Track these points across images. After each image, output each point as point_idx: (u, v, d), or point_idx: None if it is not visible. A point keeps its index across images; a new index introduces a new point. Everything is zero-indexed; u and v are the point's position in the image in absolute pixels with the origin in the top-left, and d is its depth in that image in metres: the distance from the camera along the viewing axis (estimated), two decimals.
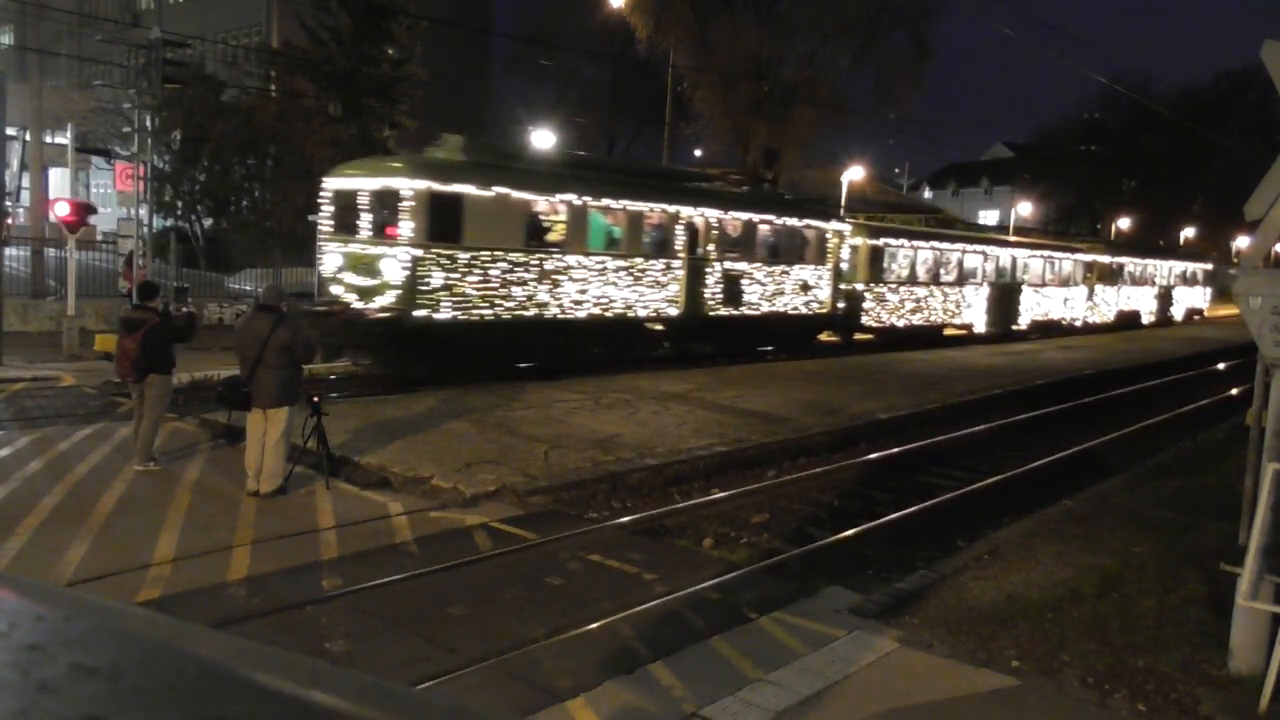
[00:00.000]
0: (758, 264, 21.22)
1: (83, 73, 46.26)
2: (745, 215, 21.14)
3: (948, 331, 29.05)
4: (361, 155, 23.16)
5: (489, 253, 15.77)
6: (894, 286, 26.47)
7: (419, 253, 14.86)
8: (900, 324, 26.81)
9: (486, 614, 6.50)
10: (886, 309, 26.18)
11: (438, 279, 15.09)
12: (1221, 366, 27.46)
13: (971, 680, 5.74)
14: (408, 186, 14.97)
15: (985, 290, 30.01)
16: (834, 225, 23.63)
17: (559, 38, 47.85)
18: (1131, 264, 39.69)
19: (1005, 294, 30.99)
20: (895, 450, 13.12)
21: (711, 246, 19.92)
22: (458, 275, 15.32)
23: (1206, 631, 6.49)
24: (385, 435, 11.13)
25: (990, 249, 30.76)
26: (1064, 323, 34.64)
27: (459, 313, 15.32)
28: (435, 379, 15.15)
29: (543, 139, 40.85)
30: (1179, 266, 45.04)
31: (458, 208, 15.28)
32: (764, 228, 21.59)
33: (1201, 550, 8.22)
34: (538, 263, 16.58)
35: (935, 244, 28.47)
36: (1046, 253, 34.00)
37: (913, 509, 10.37)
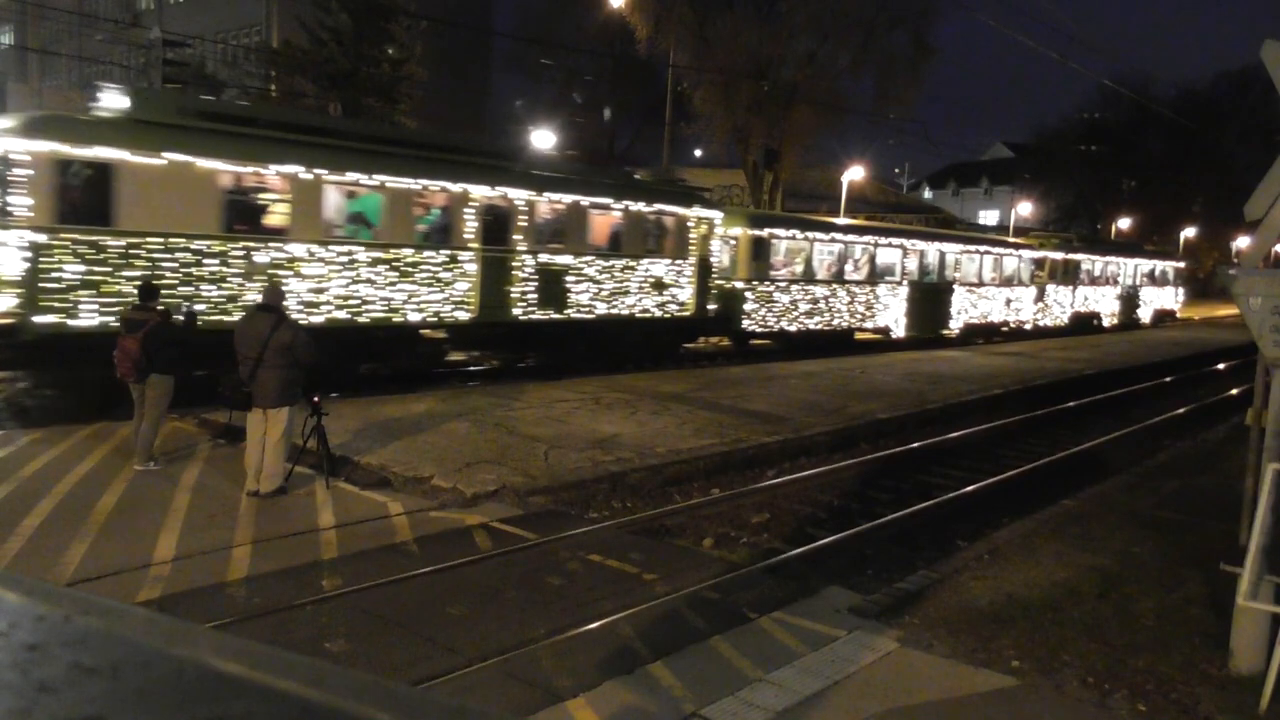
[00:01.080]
0: (589, 257, 17.59)
1: (83, 73, 46.29)
2: (570, 198, 17.26)
3: (862, 336, 25.89)
4: None
5: (161, 239, 12.36)
6: (784, 284, 22.92)
7: (41, 238, 11.50)
8: (792, 328, 23.27)
9: (486, 614, 6.50)
10: (774, 311, 22.68)
11: (73, 274, 11.74)
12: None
13: (971, 680, 5.74)
14: (21, 150, 11.35)
15: (905, 290, 26.44)
16: (698, 212, 19.90)
17: (559, 37, 47.89)
18: (1090, 262, 36.43)
19: (931, 294, 27.55)
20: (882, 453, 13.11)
21: (521, 235, 16.34)
22: (108, 269, 11.97)
23: (1206, 631, 6.49)
24: (385, 435, 11.13)
25: (913, 243, 27.39)
26: (1008, 326, 31.47)
27: (113, 319, 11.48)
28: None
29: (543, 139, 40.90)
30: (1146, 265, 41.94)
31: (106, 178, 11.92)
32: (598, 214, 17.87)
33: (1201, 550, 8.22)
34: (243, 253, 13.15)
35: (839, 236, 24.88)
36: (984, 248, 30.41)
37: (912, 509, 10.38)
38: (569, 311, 17.31)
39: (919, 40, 42.00)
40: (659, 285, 19.12)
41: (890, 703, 5.38)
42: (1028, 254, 32.52)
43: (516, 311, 16.46)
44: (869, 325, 25.71)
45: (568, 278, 17.26)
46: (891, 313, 26.23)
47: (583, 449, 11.09)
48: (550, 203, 17.03)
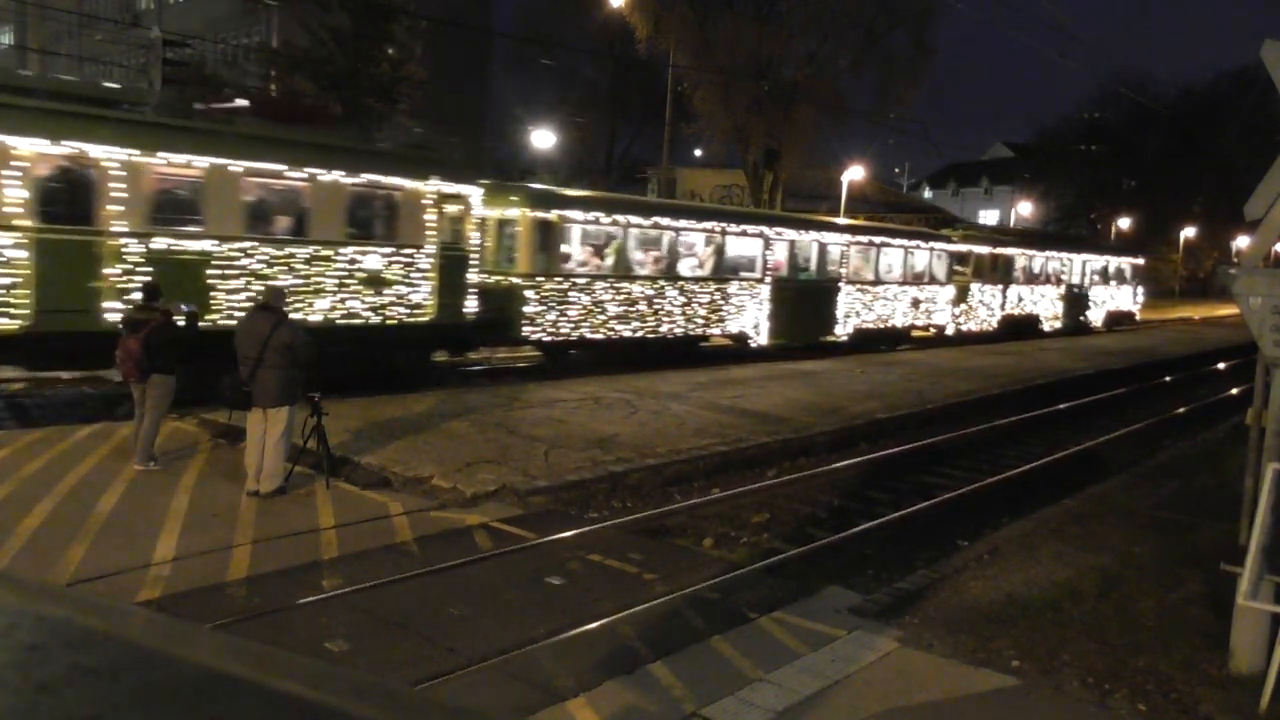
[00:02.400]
0: (248, 244, 12.92)
1: (83, 73, 46.28)
2: (210, 161, 12.48)
3: (718, 342, 21.56)
4: None
5: None
6: (584, 281, 18.17)
7: None
8: (597, 335, 18.43)
9: (486, 614, 6.50)
10: (570, 314, 17.85)
11: None
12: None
13: (971, 680, 5.74)
14: None
15: (767, 289, 21.57)
16: (439, 185, 14.89)
17: (559, 37, 47.88)
18: (1026, 257, 31.69)
19: (806, 294, 22.90)
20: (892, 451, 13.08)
21: (123, 209, 11.79)
22: None
23: (1206, 631, 6.49)
24: (385, 435, 11.13)
25: (777, 232, 22.28)
26: (916, 331, 26.90)
27: None
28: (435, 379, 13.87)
29: (543, 139, 40.91)
30: (1097, 261, 36.91)
31: None
32: (264, 183, 13.31)
33: (1201, 550, 8.22)
34: None
35: (666, 221, 19.69)
36: (883, 240, 25.49)
37: (913, 508, 10.38)
38: (215, 317, 12.43)
39: (919, 40, 42.03)
40: (375, 281, 14.36)
41: (890, 703, 5.38)
42: (943, 247, 27.57)
43: (114, 317, 11.18)
44: (717, 331, 20.95)
45: (209, 270, 12.59)
46: (749, 316, 21.30)
47: (583, 448, 11.09)
48: (172, 166, 12.34)
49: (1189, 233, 66.90)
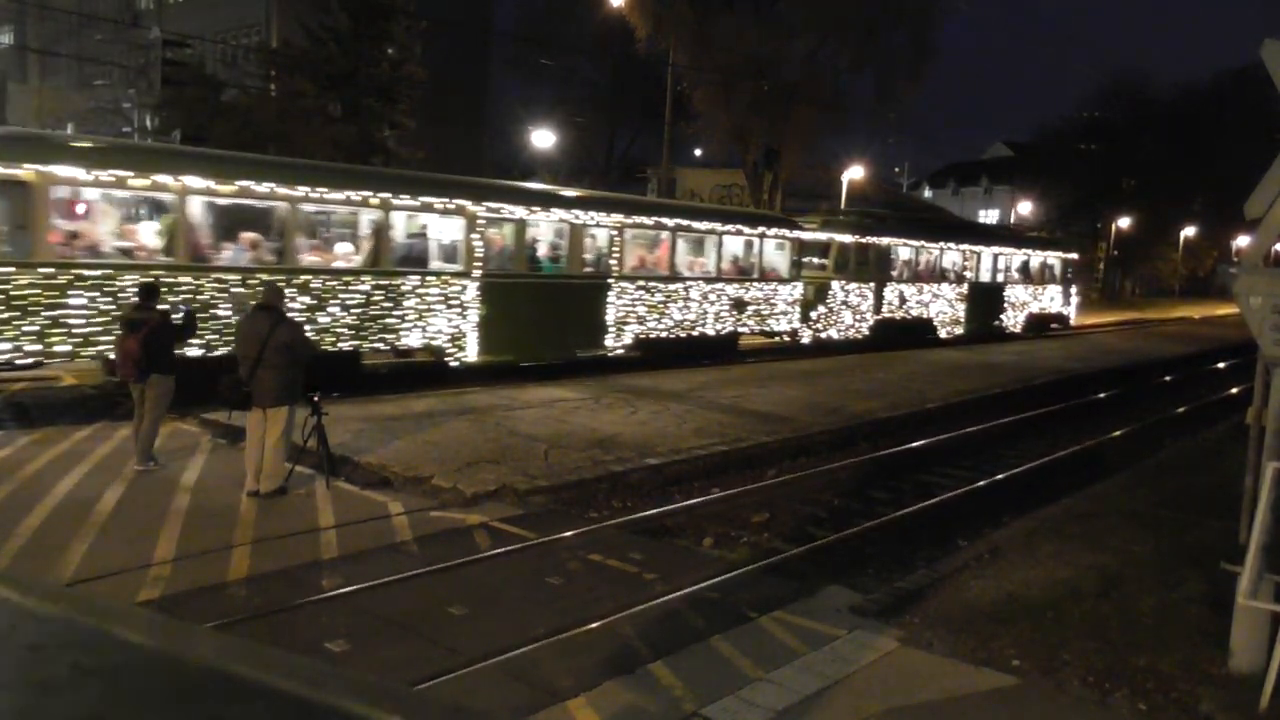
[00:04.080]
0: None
1: (83, 73, 46.26)
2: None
3: (420, 359, 15.79)
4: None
5: None
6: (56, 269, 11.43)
7: None
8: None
9: (486, 614, 6.50)
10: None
11: None
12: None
13: (972, 679, 5.74)
14: None
15: (474, 287, 15.50)
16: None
17: (558, 37, 47.89)
18: (911, 249, 26.31)
19: (546, 296, 17.01)
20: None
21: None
22: None
23: (1207, 630, 6.49)
24: (385, 435, 11.14)
25: (481, 206, 15.58)
26: (754, 338, 22.25)
27: None
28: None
29: (542, 138, 40.89)
30: (1014, 255, 31.04)
31: None
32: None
33: (1202, 549, 8.22)
34: None
35: (267, 189, 13.06)
36: (679, 223, 19.42)
37: (913, 508, 10.37)
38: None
39: (919, 40, 42.01)
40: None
41: (890, 702, 5.38)
42: (784, 234, 21.94)
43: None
44: (406, 343, 14.88)
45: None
46: (442, 322, 15.13)
47: (583, 448, 11.09)
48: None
49: (1189, 232, 66.92)
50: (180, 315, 10.41)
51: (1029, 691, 5.64)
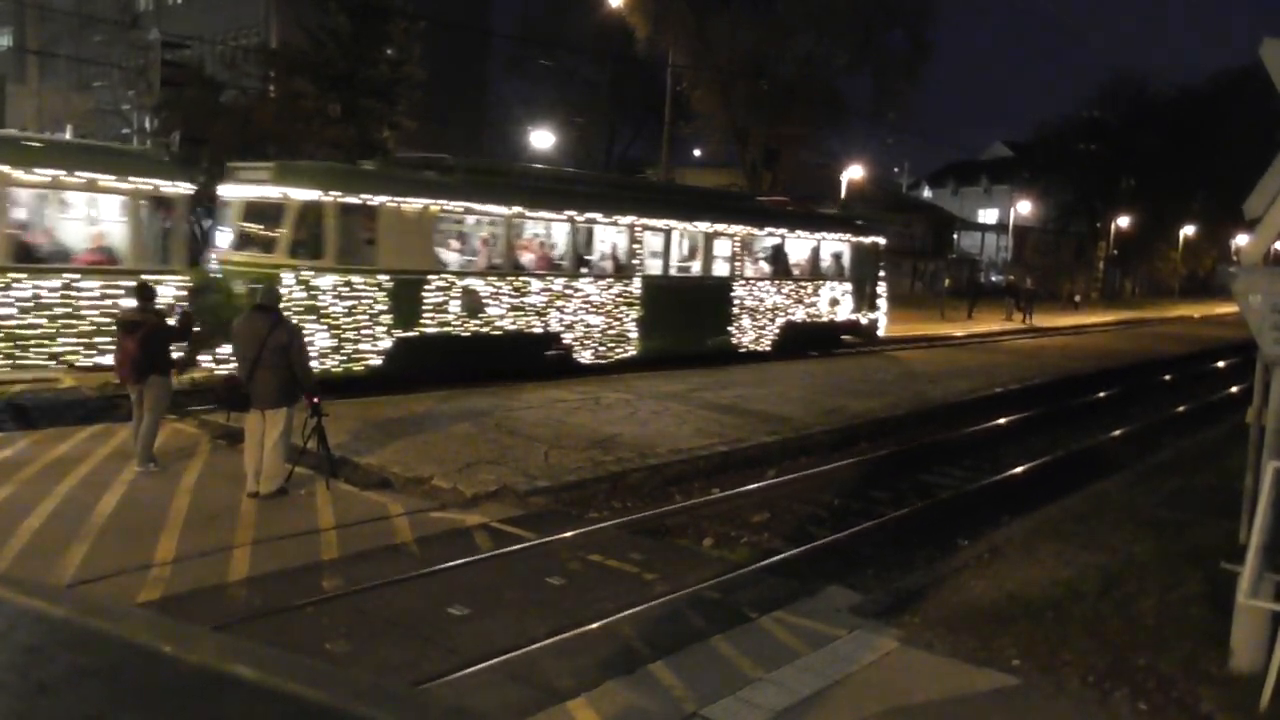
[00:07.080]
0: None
1: (82, 74, 46.26)
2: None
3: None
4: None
5: None
6: None
7: None
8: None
9: (486, 614, 6.50)
10: None
11: None
12: None
13: (972, 679, 5.74)
14: None
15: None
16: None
17: (558, 38, 47.88)
18: (496, 222, 16.04)
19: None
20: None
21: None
22: None
23: (1207, 630, 6.48)
24: (385, 436, 11.13)
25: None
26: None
27: None
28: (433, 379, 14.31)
29: (542, 138, 40.89)
30: (766, 238, 21.11)
31: None
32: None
33: (1202, 548, 8.21)
34: None
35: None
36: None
37: (912, 508, 10.37)
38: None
39: (917, 39, 42.04)
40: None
41: (890, 702, 5.38)
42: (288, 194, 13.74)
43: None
44: None
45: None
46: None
47: (583, 448, 11.08)
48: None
49: (1189, 231, 66.90)
50: (177, 317, 10.41)
51: (1029, 691, 5.63)
